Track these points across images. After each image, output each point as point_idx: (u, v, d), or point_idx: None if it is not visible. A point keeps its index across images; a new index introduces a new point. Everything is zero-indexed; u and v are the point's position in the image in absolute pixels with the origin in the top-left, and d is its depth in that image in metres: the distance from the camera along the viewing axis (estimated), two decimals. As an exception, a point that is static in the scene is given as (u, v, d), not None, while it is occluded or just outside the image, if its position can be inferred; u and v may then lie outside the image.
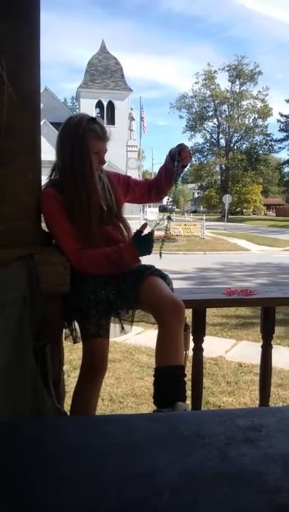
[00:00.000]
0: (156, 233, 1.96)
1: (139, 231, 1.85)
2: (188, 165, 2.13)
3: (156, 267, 1.97)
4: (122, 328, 2.04)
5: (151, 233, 1.86)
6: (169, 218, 2.15)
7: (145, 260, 2.04)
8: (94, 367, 1.87)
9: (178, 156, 1.93)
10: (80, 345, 1.96)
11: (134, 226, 1.93)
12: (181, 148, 1.94)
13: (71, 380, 3.51)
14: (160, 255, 2.00)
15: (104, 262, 1.83)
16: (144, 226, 1.88)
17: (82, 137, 1.82)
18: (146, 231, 1.87)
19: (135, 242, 1.84)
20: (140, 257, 1.87)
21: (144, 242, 1.83)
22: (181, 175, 2.06)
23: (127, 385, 3.57)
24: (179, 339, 1.78)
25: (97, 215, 1.87)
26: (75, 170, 1.83)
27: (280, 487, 0.66)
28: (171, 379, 1.72)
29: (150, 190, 2.12)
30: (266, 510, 0.63)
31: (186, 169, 2.25)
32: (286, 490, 0.66)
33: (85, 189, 1.82)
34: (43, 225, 1.89)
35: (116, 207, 1.95)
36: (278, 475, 0.69)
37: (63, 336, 1.97)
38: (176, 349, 1.76)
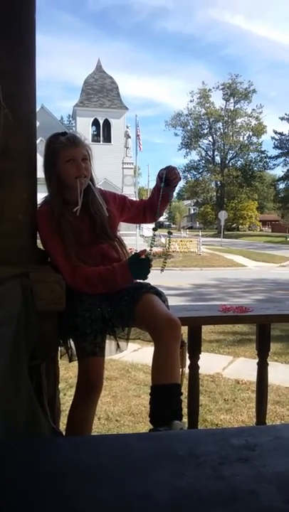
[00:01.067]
0: (154, 249, 1.97)
1: (137, 253, 1.85)
2: (179, 184, 2.16)
3: (153, 283, 1.98)
4: (118, 346, 2.03)
5: (148, 259, 1.85)
6: (169, 233, 2.16)
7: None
8: (90, 385, 1.86)
9: (165, 177, 1.95)
10: (76, 363, 1.95)
11: (131, 243, 1.94)
12: (168, 170, 1.96)
13: (67, 398, 3.47)
14: (161, 270, 2.01)
15: (97, 281, 1.84)
16: (143, 252, 1.88)
17: (50, 156, 1.86)
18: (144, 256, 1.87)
19: (130, 263, 1.84)
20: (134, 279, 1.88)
21: (140, 265, 1.83)
22: (173, 194, 2.09)
23: (124, 404, 3.53)
24: (175, 356, 1.77)
25: (83, 233, 1.88)
26: (51, 192, 1.88)
27: (274, 507, 0.66)
28: (167, 397, 1.71)
29: (145, 210, 2.13)
30: (260, 530, 0.63)
31: (181, 186, 2.30)
32: (280, 510, 0.66)
33: (57, 207, 1.85)
34: (39, 244, 1.90)
35: (110, 226, 1.96)
36: (272, 495, 0.69)
37: (59, 354, 1.96)
38: (172, 367, 1.75)
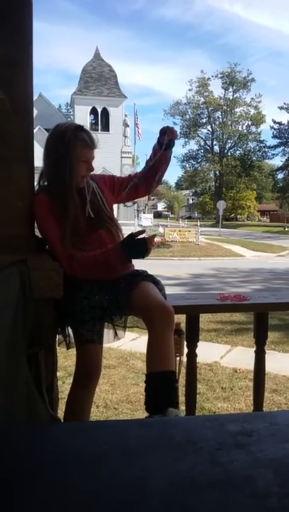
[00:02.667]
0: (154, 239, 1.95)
1: (132, 234, 1.83)
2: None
3: (151, 272, 1.97)
4: (116, 333, 2.04)
5: (145, 238, 1.84)
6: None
7: (139, 266, 2.05)
8: (87, 372, 1.86)
9: (171, 141, 1.99)
10: (74, 351, 1.96)
11: (129, 232, 1.92)
12: (171, 132, 1.99)
13: (66, 386, 3.48)
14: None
15: (92, 265, 1.82)
16: (141, 232, 1.87)
17: (67, 147, 1.82)
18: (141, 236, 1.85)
19: (123, 244, 1.83)
20: (131, 260, 1.87)
21: (135, 245, 1.82)
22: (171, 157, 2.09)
23: (122, 391, 3.55)
24: (169, 344, 1.77)
25: (80, 223, 1.87)
26: (56, 179, 1.85)
27: (271, 492, 0.67)
28: (162, 385, 1.72)
29: (138, 184, 2.11)
30: (256, 515, 0.63)
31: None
32: (276, 494, 0.66)
33: (63, 199, 1.83)
34: (36, 231, 1.89)
35: (107, 210, 1.96)
36: (269, 480, 0.70)
37: (57, 342, 1.96)
38: (166, 354, 1.76)
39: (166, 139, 1.98)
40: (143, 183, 2.11)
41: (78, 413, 1.88)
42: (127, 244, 1.82)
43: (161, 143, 2.00)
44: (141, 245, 1.81)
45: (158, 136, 2.01)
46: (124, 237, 1.89)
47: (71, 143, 1.82)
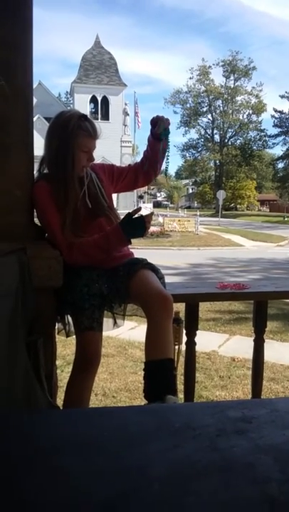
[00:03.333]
0: (151, 228, 1.96)
1: (129, 213, 1.84)
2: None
3: (150, 261, 1.97)
4: (115, 322, 2.04)
5: (142, 216, 1.84)
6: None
7: (138, 254, 2.04)
8: (87, 360, 1.87)
9: (166, 129, 1.97)
10: (74, 340, 1.96)
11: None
12: (164, 121, 1.97)
13: (64, 375, 3.50)
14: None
15: (93, 250, 1.83)
16: (137, 210, 1.88)
17: (70, 135, 1.81)
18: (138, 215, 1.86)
19: (122, 224, 1.84)
20: (131, 239, 1.87)
21: (133, 224, 1.82)
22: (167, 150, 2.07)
23: (121, 380, 3.57)
24: (168, 332, 1.78)
25: (80, 212, 1.86)
26: (58, 167, 1.84)
27: (270, 478, 0.67)
28: (160, 372, 1.73)
29: (137, 175, 2.10)
30: (256, 501, 0.64)
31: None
32: (276, 480, 0.66)
33: (64, 187, 1.83)
34: (36, 220, 1.89)
35: (106, 199, 1.96)
36: (268, 466, 0.70)
37: (56, 330, 1.96)
38: (164, 342, 1.76)
39: (160, 129, 1.96)
40: (142, 173, 2.10)
41: (77, 401, 1.89)
42: (126, 223, 1.83)
43: (154, 134, 1.98)
44: (139, 223, 1.82)
45: (150, 128, 1.99)
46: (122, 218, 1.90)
47: (74, 131, 1.81)
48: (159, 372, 1.73)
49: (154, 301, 1.76)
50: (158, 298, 1.76)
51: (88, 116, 1.90)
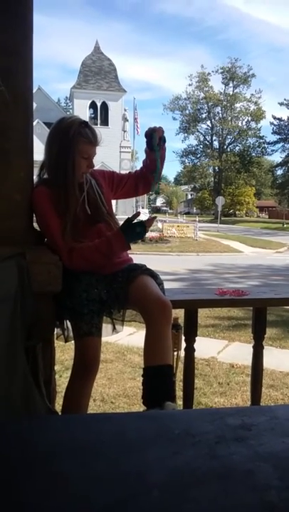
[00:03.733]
0: (150, 234, 1.96)
1: (129, 218, 1.85)
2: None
3: (149, 267, 1.97)
4: (114, 327, 2.04)
5: (142, 220, 1.85)
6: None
7: (137, 260, 2.04)
8: (86, 365, 1.87)
9: (161, 138, 1.97)
10: (72, 345, 1.96)
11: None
12: (156, 131, 1.96)
13: (63, 380, 3.49)
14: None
15: (94, 255, 1.83)
16: (136, 215, 1.88)
17: (71, 141, 1.81)
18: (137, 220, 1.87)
19: (123, 228, 1.85)
20: (130, 244, 1.87)
21: (133, 228, 1.84)
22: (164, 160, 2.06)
23: (119, 386, 3.56)
24: (166, 338, 1.77)
25: (79, 217, 1.87)
26: (58, 172, 1.84)
27: (270, 485, 0.66)
28: (159, 379, 1.72)
29: (137, 183, 2.11)
30: (255, 508, 0.63)
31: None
32: (275, 488, 0.66)
33: (64, 193, 1.83)
34: (35, 225, 1.89)
35: (105, 205, 1.96)
36: (268, 473, 0.69)
37: (55, 335, 1.96)
38: (163, 348, 1.76)
39: (156, 140, 1.96)
40: (142, 182, 2.11)
41: (76, 406, 1.89)
42: (127, 228, 1.84)
43: (151, 146, 1.98)
44: (139, 227, 1.84)
45: (146, 140, 1.99)
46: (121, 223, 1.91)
47: (75, 138, 1.81)
48: (157, 378, 1.72)
49: (153, 307, 1.76)
50: (157, 304, 1.76)
51: (89, 123, 1.91)
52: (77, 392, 1.90)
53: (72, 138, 1.81)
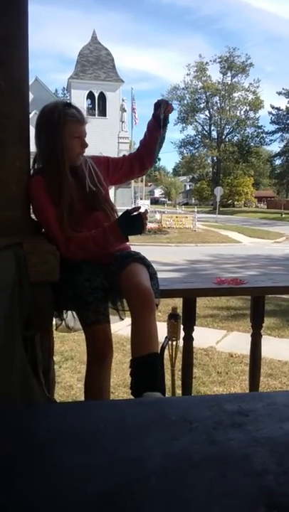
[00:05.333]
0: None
1: (128, 211, 1.84)
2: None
3: (148, 258, 1.96)
4: (120, 315, 2.02)
5: (140, 214, 1.83)
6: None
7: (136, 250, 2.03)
8: (99, 352, 1.85)
9: (162, 108, 1.92)
10: (72, 336, 1.96)
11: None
12: (166, 105, 1.93)
13: (62, 370, 3.51)
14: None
15: (90, 244, 1.83)
16: (136, 209, 1.86)
17: (58, 124, 1.80)
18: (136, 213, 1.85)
19: (120, 220, 1.84)
20: (128, 236, 1.87)
21: (131, 221, 1.82)
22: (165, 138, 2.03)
23: (119, 376, 3.57)
24: (149, 327, 1.74)
25: (76, 205, 1.86)
26: (50, 159, 1.83)
27: (267, 470, 0.67)
28: (141, 369, 1.71)
29: (133, 164, 2.08)
30: (253, 493, 0.63)
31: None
32: (272, 473, 0.66)
33: (58, 179, 1.82)
34: (32, 215, 1.88)
35: (102, 189, 1.95)
36: (265, 458, 0.70)
37: (54, 325, 1.96)
38: (145, 337, 1.74)
39: (161, 113, 1.92)
40: (137, 163, 2.08)
41: (97, 393, 1.87)
42: (124, 221, 1.83)
43: (157, 117, 1.94)
44: (137, 221, 1.82)
45: (153, 111, 1.96)
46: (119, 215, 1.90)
47: (61, 119, 1.80)
48: (140, 369, 1.71)
49: (134, 295, 1.75)
50: (137, 292, 1.74)
51: (72, 103, 1.89)
52: (96, 379, 1.87)
53: (59, 120, 1.80)
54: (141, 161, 2.07)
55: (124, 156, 2.17)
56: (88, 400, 1.88)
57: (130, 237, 1.88)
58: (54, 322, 1.96)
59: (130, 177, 2.19)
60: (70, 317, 1.96)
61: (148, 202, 29.13)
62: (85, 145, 1.89)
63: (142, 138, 2.06)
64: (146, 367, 1.71)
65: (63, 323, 1.96)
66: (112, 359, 1.94)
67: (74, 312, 1.92)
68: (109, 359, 1.90)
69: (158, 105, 1.94)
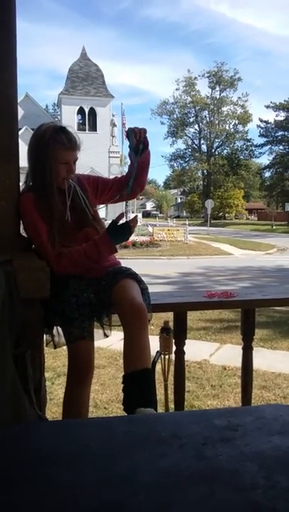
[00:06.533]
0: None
1: (114, 221, 1.89)
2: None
3: (139, 272, 1.97)
4: (104, 332, 2.03)
5: (127, 221, 1.89)
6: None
7: (128, 265, 2.04)
8: (80, 369, 1.85)
9: (131, 136, 1.94)
10: (64, 351, 1.95)
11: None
12: (136, 132, 1.93)
13: (55, 387, 3.48)
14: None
15: (82, 259, 1.84)
16: (120, 216, 1.92)
17: (45, 149, 1.82)
18: (121, 221, 1.91)
19: (109, 232, 1.89)
20: (117, 245, 1.91)
21: (119, 230, 1.89)
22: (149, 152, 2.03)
23: (112, 391, 3.55)
24: (141, 342, 1.76)
25: (66, 223, 1.87)
26: (37, 180, 1.86)
27: (256, 484, 0.67)
28: (134, 385, 1.72)
29: (121, 188, 2.09)
30: (242, 508, 0.64)
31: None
32: (262, 487, 0.66)
33: (46, 199, 1.83)
34: (22, 232, 1.88)
35: (90, 210, 1.96)
36: (254, 472, 0.70)
37: (44, 341, 1.95)
38: (138, 353, 1.75)
39: (133, 142, 1.94)
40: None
41: (76, 411, 1.86)
42: (113, 230, 1.88)
43: (132, 148, 1.96)
44: (124, 228, 1.89)
45: (130, 144, 1.97)
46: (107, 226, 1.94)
47: (50, 145, 1.82)
48: (132, 384, 1.72)
49: (127, 311, 1.76)
50: (130, 307, 1.75)
51: (67, 128, 1.90)
52: (76, 398, 1.87)
53: (47, 146, 1.82)
54: (137, 183, 2.07)
55: (115, 177, 2.18)
56: (67, 416, 1.87)
57: (122, 251, 1.90)
58: (44, 338, 1.96)
59: (119, 200, 2.18)
60: (55, 332, 1.96)
61: (140, 215, 29.18)
62: (72, 171, 1.90)
63: (129, 165, 2.08)
64: (139, 382, 1.72)
65: (55, 339, 1.96)
66: (93, 376, 1.94)
67: (59, 328, 1.92)
68: (89, 377, 1.90)
69: (127, 135, 1.96)
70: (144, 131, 1.97)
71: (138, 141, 1.94)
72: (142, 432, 0.85)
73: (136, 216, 1.98)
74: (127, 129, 1.98)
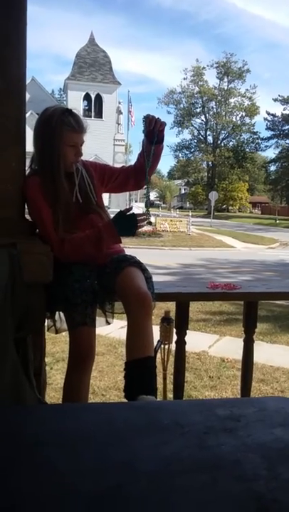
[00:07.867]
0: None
1: (122, 211, 1.86)
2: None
3: (141, 261, 1.96)
4: (106, 319, 2.03)
5: (134, 213, 1.85)
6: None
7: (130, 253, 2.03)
8: (82, 355, 1.85)
9: (146, 123, 1.92)
10: (63, 337, 1.95)
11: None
12: (154, 122, 1.92)
13: (54, 372, 3.49)
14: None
15: (85, 245, 1.83)
16: (129, 209, 1.88)
17: (54, 131, 1.80)
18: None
19: (115, 220, 1.86)
20: (121, 237, 1.87)
21: (126, 221, 1.85)
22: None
23: (110, 378, 3.56)
24: (145, 331, 1.76)
25: (71, 208, 1.86)
26: (44, 164, 1.83)
27: (258, 475, 0.67)
28: (136, 372, 1.73)
29: (128, 178, 2.09)
30: (243, 498, 0.63)
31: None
32: (263, 478, 0.66)
33: (53, 184, 1.82)
34: (27, 216, 1.87)
35: (95, 197, 1.95)
36: (256, 463, 0.70)
37: (46, 326, 1.95)
38: (142, 341, 1.75)
39: (155, 134, 1.92)
40: (133, 178, 2.09)
41: (76, 397, 1.87)
42: (118, 220, 1.85)
43: (149, 137, 1.95)
44: (131, 220, 1.85)
45: (144, 129, 1.95)
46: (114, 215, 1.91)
47: (58, 127, 1.80)
48: (135, 372, 1.73)
49: (132, 299, 1.76)
50: (136, 296, 1.75)
51: (73, 110, 1.89)
52: (76, 384, 1.88)
53: (55, 127, 1.80)
54: (136, 177, 2.08)
55: (122, 167, 2.17)
56: (66, 402, 1.88)
57: (124, 240, 1.88)
58: (46, 323, 1.96)
59: (125, 189, 2.19)
60: (57, 318, 1.96)
61: (143, 204, 29.06)
62: (80, 154, 1.89)
63: (139, 153, 2.06)
64: (142, 370, 1.72)
65: (56, 324, 1.96)
66: (94, 363, 1.94)
67: (61, 313, 1.92)
68: (90, 364, 1.91)
69: (149, 123, 1.94)
70: (161, 123, 1.95)
71: (151, 131, 1.92)
72: (143, 419, 0.85)
73: (146, 213, 1.92)
74: (149, 119, 1.94)
